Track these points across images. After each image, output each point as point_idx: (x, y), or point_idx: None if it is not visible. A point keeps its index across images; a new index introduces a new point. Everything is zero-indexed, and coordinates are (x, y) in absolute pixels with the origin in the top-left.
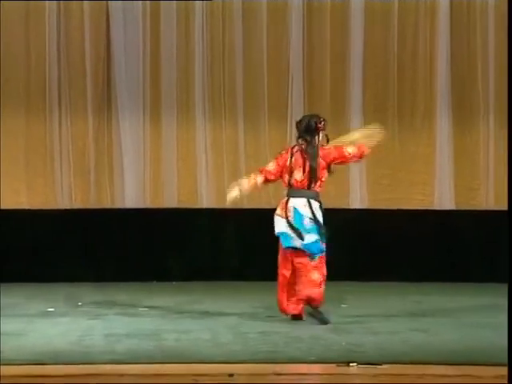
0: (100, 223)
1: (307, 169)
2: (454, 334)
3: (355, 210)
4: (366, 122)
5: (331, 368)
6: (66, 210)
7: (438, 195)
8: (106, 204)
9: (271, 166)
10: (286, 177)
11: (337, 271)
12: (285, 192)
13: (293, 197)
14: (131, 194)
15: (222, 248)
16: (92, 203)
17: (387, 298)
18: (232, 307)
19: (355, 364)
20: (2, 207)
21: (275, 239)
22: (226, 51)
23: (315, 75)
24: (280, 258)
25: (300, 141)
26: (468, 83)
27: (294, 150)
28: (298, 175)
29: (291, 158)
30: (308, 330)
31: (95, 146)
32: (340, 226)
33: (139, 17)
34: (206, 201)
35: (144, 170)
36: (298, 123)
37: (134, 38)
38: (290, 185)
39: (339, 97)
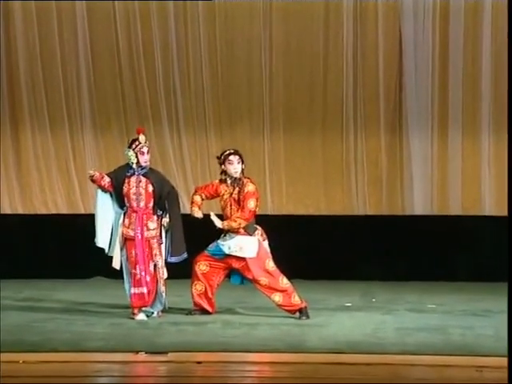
0: (391, 228)
1: None
2: None
3: None
4: None
5: None
6: (360, 215)
7: None
8: (397, 211)
9: None
10: None
11: None
12: None
13: None
14: (420, 202)
15: (503, 251)
16: (384, 210)
17: None
18: None
19: None
20: (299, 213)
21: None
22: None
23: None
24: None
25: None
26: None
27: None
28: None
29: None
30: None
31: (387, 159)
32: None
33: (429, 37)
34: (488, 209)
35: (432, 180)
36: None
37: (424, 59)
38: None
39: None
